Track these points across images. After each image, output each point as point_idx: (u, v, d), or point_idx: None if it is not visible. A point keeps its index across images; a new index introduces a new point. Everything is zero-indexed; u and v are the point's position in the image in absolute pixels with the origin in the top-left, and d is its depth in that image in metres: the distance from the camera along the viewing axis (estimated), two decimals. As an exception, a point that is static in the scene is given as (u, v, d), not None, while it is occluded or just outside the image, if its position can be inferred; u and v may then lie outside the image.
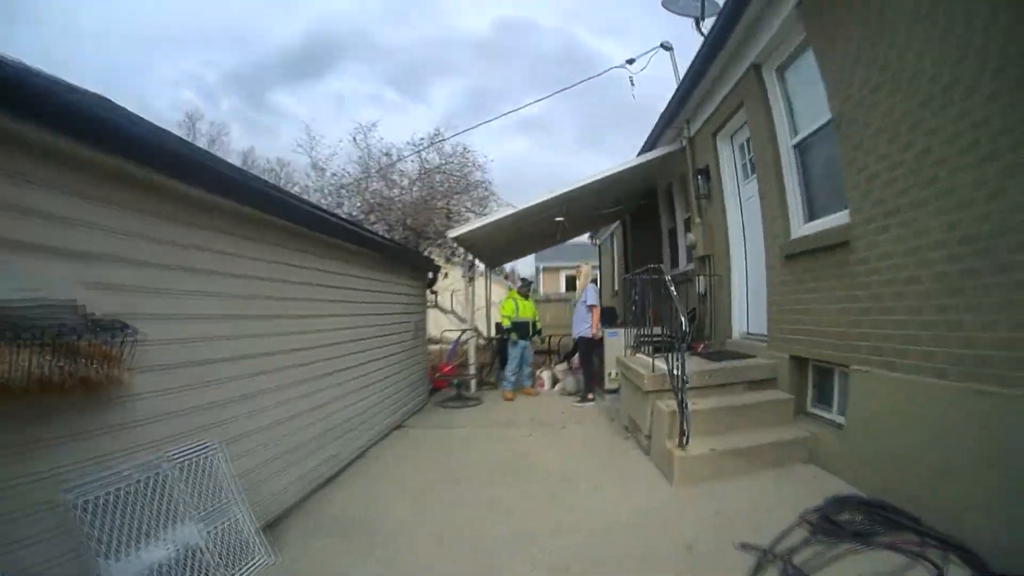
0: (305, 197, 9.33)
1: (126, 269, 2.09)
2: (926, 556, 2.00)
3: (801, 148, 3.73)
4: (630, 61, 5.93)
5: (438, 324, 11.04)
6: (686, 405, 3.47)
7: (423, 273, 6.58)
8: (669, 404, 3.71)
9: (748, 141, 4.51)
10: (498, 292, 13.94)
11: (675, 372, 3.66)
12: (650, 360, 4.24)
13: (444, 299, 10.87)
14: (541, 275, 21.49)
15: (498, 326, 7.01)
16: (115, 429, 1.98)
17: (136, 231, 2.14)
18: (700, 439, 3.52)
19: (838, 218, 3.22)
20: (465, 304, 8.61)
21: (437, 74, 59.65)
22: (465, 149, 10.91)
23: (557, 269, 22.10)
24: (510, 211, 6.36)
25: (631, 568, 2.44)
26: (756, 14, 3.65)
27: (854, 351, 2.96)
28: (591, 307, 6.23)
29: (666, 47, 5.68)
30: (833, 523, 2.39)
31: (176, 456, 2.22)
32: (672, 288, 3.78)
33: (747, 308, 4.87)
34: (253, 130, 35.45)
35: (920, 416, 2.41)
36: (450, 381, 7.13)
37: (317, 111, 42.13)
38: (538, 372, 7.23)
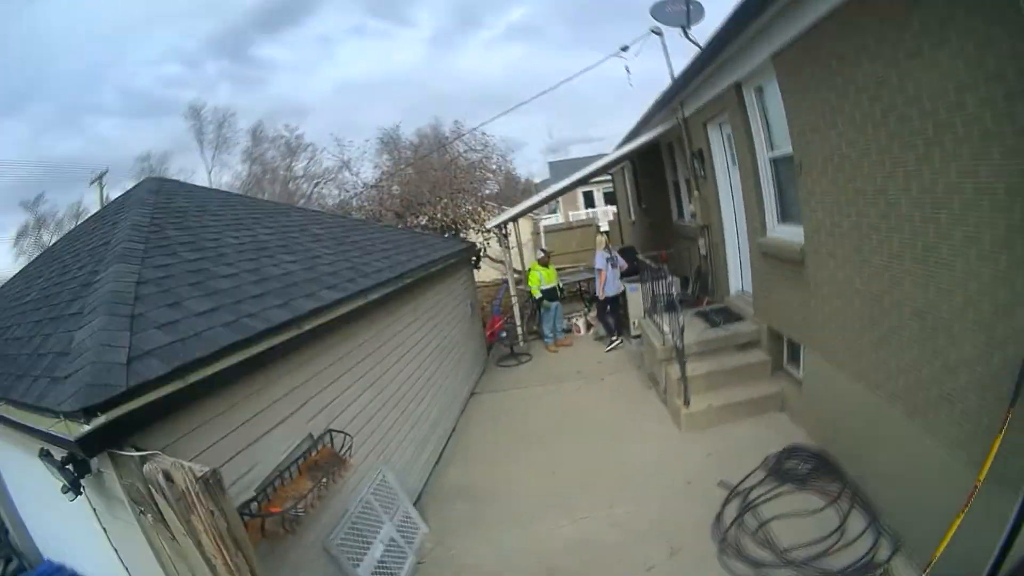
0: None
1: (324, 393, 3.16)
2: (838, 502, 3.03)
3: (776, 162, 4.19)
4: (624, 48, 5.99)
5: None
6: (686, 376, 4.50)
7: (470, 259, 7.49)
8: (676, 371, 4.72)
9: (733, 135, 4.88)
10: (525, 227, 14.62)
11: (679, 346, 4.63)
12: (660, 333, 5.17)
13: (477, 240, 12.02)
14: (559, 198, 21.61)
15: (529, 295, 7.92)
16: (342, 486, 3.18)
17: (323, 365, 3.18)
18: (700, 396, 4.58)
19: (800, 232, 3.83)
20: (503, 253, 9.46)
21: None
22: (484, 135, 11.51)
23: (583, 185, 22.11)
24: (536, 199, 7.03)
25: (655, 497, 3.64)
26: (734, 52, 3.92)
27: (807, 337, 3.83)
28: (599, 271, 7.08)
29: (656, 32, 5.70)
30: (782, 469, 3.48)
31: (369, 485, 3.46)
32: (674, 293, 4.60)
33: (740, 271, 5.59)
34: (242, 86, 34.12)
35: (843, 398, 3.34)
36: (499, 335, 8.29)
37: (304, 55, 39.55)
38: (573, 320, 8.30)
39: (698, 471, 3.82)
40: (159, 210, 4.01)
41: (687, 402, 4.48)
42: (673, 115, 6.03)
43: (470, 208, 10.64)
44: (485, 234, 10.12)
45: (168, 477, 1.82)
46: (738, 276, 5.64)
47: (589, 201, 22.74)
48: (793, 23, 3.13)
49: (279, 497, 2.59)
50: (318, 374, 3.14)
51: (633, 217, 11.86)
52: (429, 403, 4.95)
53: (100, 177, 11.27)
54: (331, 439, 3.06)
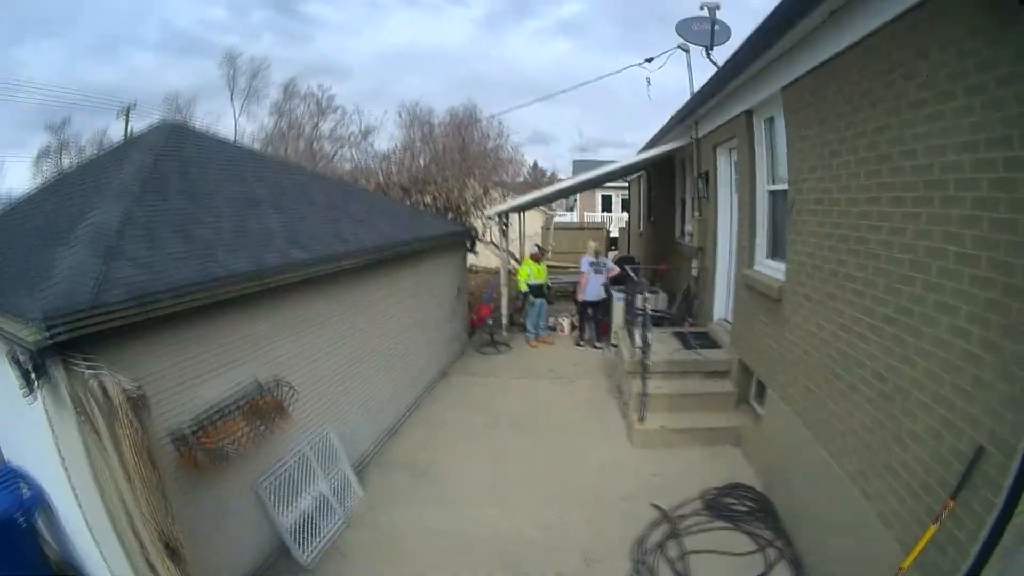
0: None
1: (280, 346, 3.12)
2: (767, 550, 2.88)
3: (775, 195, 3.98)
4: (648, 60, 5.73)
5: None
6: (647, 393, 4.36)
7: (464, 243, 7.33)
8: (639, 385, 4.57)
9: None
10: (536, 220, 14.38)
11: (644, 362, 4.48)
12: (632, 346, 5.01)
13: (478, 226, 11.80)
14: (576, 197, 21.30)
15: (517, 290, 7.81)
16: (280, 435, 3.12)
17: (284, 320, 3.13)
18: (658, 415, 4.44)
19: (783, 270, 3.63)
20: (501, 242, 9.31)
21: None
22: (500, 123, 11.29)
23: (592, 188, 21.73)
24: (537, 194, 6.80)
25: (589, 506, 3.55)
26: (746, 80, 3.69)
27: (773, 379, 3.65)
28: (581, 274, 6.99)
29: (683, 48, 5.43)
30: (719, 504, 3.34)
31: (309, 441, 3.40)
32: (649, 309, 4.43)
33: (726, 299, 5.39)
34: (283, 39, 33.35)
35: (795, 445, 3.18)
36: (485, 321, 8.17)
37: (350, 17, 38.40)
38: (559, 318, 8.15)
39: (637, 489, 3.71)
40: (165, 155, 3.91)
41: (642, 419, 4.35)
42: (688, 132, 5.79)
43: (473, 194, 10.41)
44: (486, 221, 9.96)
45: (104, 390, 1.96)
46: (723, 303, 5.44)
47: (607, 205, 22.35)
48: (806, 57, 2.95)
49: (216, 432, 2.59)
50: (278, 327, 3.11)
51: (642, 228, 11.58)
52: (393, 376, 4.87)
53: (127, 110, 11.25)
54: (278, 389, 3.00)
